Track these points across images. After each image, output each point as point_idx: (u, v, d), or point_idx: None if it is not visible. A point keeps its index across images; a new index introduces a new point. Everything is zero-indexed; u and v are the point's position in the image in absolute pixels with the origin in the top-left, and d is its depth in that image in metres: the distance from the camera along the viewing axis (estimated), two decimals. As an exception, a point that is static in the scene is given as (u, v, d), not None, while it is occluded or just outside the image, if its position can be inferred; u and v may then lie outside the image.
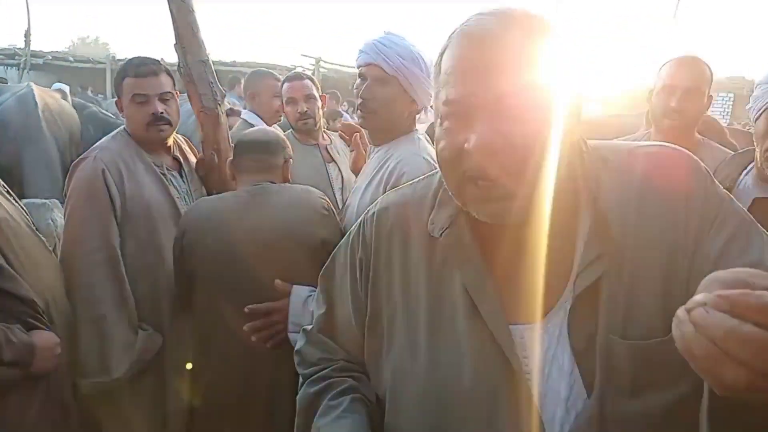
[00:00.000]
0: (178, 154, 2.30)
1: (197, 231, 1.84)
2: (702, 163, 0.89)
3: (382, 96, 1.84)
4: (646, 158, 0.89)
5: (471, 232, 0.92)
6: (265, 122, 3.25)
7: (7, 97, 4.74)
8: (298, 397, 1.07)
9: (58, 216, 3.32)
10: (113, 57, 13.61)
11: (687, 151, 0.91)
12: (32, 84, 5.13)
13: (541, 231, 0.86)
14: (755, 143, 1.74)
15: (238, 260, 1.76)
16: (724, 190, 0.89)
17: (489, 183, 0.81)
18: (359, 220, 1.07)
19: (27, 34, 11.23)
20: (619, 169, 0.89)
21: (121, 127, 2.25)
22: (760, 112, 1.65)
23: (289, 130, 2.95)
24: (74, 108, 5.42)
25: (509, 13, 0.83)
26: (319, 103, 2.90)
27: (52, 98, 5.24)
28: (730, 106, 8.89)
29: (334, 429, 0.93)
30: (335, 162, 2.85)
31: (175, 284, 1.99)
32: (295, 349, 1.16)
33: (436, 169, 0.98)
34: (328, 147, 2.88)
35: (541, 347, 0.85)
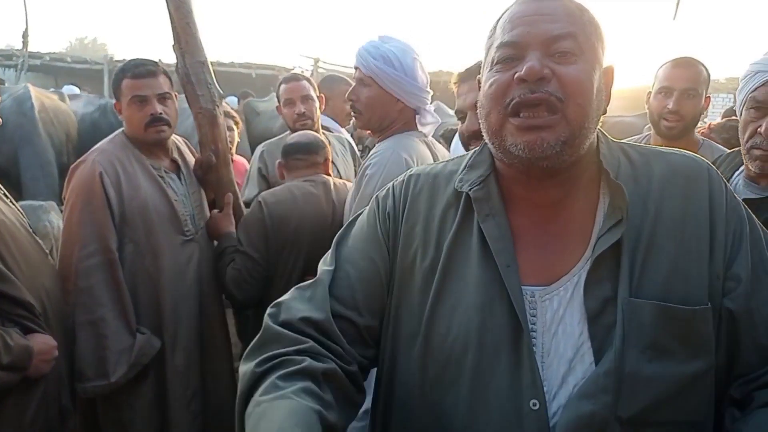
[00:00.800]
0: (176, 156, 2.29)
1: (281, 213, 2.18)
2: (722, 177, 0.96)
3: (364, 97, 1.92)
4: (671, 161, 0.96)
5: (498, 192, 0.97)
6: (339, 124, 3.32)
7: (5, 99, 4.74)
8: (240, 371, 0.93)
9: (55, 218, 3.31)
10: (111, 58, 13.59)
11: (707, 161, 0.97)
12: (29, 85, 5.13)
13: (565, 196, 0.93)
14: (740, 138, 1.69)
15: (318, 235, 2.11)
16: (743, 205, 0.95)
17: (531, 111, 0.87)
18: (388, 186, 1.09)
19: (25, 35, 11.20)
20: (642, 165, 0.96)
21: (120, 129, 2.23)
22: (742, 105, 1.62)
23: (287, 132, 2.94)
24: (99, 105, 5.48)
25: None
26: (317, 104, 2.88)
27: (49, 99, 5.24)
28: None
29: (271, 410, 0.80)
30: (333, 163, 2.85)
31: (253, 268, 2.17)
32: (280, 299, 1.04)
33: (413, 168, 1.10)
34: None
35: (549, 309, 0.90)
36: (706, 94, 2.28)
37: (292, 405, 0.80)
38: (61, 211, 2.41)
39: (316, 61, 15.37)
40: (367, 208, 1.09)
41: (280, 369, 0.88)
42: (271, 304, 1.01)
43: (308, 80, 2.93)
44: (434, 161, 2.01)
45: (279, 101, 2.93)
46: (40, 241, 1.89)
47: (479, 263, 0.93)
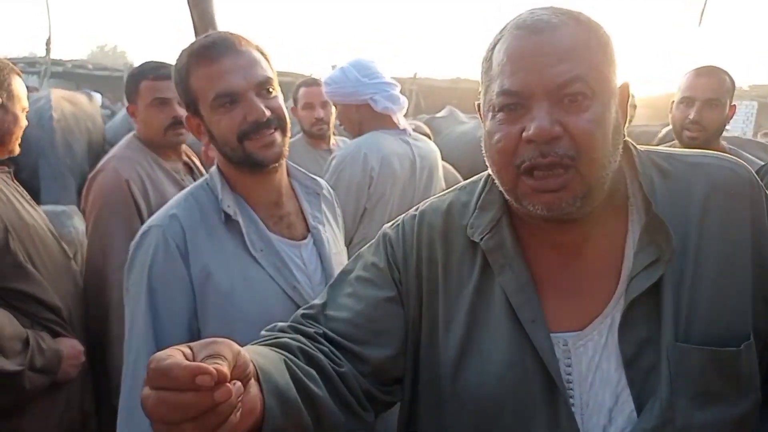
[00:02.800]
0: (187, 159, 2.28)
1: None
2: (764, 190, 0.89)
3: (337, 113, 2.43)
4: (711, 174, 0.88)
5: (513, 237, 0.90)
6: None
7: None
8: None
9: (79, 223, 3.33)
10: (131, 65, 13.77)
11: (748, 169, 0.90)
12: (52, 92, 5.14)
13: (589, 234, 0.86)
14: None
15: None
16: None
17: (545, 173, 0.80)
18: (398, 222, 1.02)
19: (48, 43, 11.41)
20: (679, 180, 0.88)
21: (131, 134, 2.20)
22: None
23: (299, 134, 2.97)
24: None
25: (562, 8, 0.84)
26: (333, 110, 2.88)
27: (71, 104, 5.23)
28: (754, 115, 8.74)
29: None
30: None
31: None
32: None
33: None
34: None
35: (584, 356, 0.84)
36: (730, 103, 2.25)
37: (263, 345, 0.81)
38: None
39: (334, 68, 15.44)
40: (373, 242, 1.02)
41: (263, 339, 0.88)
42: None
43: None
44: (411, 159, 2.21)
45: (296, 103, 2.97)
46: (65, 246, 1.90)
47: (505, 317, 0.87)
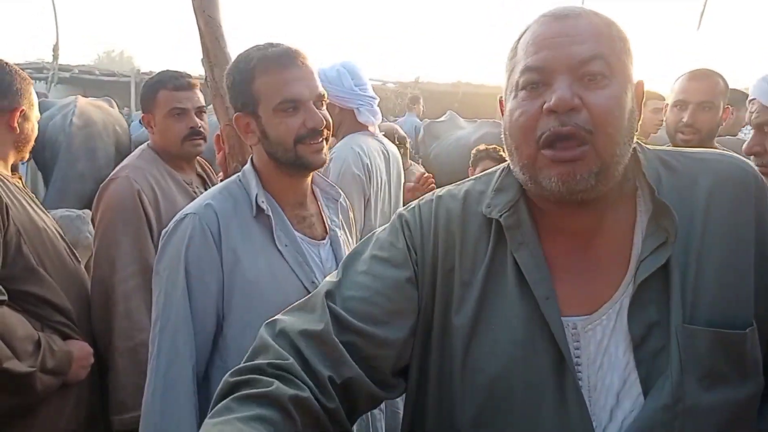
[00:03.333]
0: (201, 171, 2.29)
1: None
2: (761, 178, 0.92)
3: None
4: (716, 170, 0.91)
5: (530, 218, 0.92)
6: None
7: (55, 116, 4.75)
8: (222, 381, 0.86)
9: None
10: (138, 71, 13.83)
11: (753, 166, 0.93)
12: (79, 98, 5.11)
13: (600, 220, 0.89)
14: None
15: None
16: None
17: (564, 144, 0.83)
18: (413, 205, 1.02)
19: (55, 49, 11.47)
20: (685, 174, 0.92)
21: (145, 144, 2.21)
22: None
23: None
24: None
25: (582, 7, 0.91)
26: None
27: (99, 110, 5.17)
28: (754, 117, 8.75)
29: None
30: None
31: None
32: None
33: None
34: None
35: (593, 339, 0.86)
36: (724, 105, 2.26)
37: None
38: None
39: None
40: (388, 225, 1.02)
41: (245, 388, 0.80)
42: (266, 322, 0.93)
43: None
44: (385, 154, 2.47)
45: None
46: (74, 250, 1.94)
47: (517, 295, 0.88)
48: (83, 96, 6.02)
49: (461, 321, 0.91)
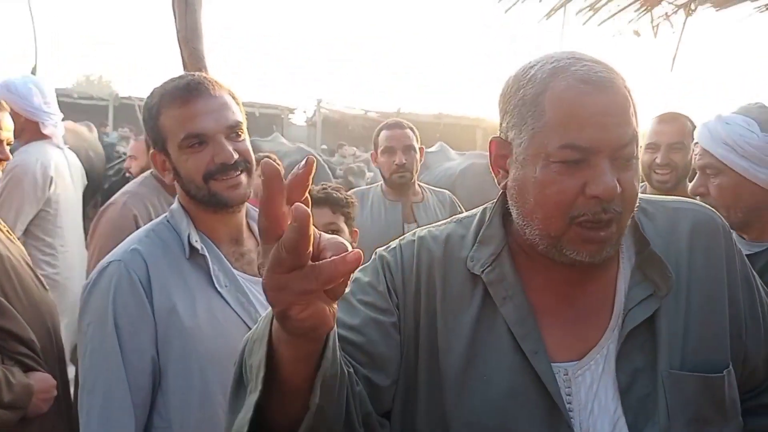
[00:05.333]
0: None
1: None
2: (726, 225, 0.97)
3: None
4: (692, 218, 0.95)
5: (513, 270, 0.92)
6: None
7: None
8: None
9: None
10: (116, 95, 13.80)
11: (720, 215, 0.98)
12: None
13: (585, 271, 0.90)
14: None
15: None
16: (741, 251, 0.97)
17: (599, 226, 0.83)
18: (394, 245, 0.99)
19: (33, 71, 11.40)
20: (667, 223, 0.95)
21: (148, 171, 2.24)
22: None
23: (378, 184, 2.78)
24: None
25: (602, 60, 0.87)
26: (418, 156, 2.67)
27: (74, 134, 5.18)
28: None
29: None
30: (417, 224, 2.56)
31: None
32: None
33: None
34: (414, 205, 2.66)
35: (583, 384, 0.87)
36: (692, 145, 2.34)
37: None
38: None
39: (319, 101, 15.60)
40: (369, 265, 0.98)
41: None
42: None
43: (412, 129, 2.71)
44: (67, 163, 2.96)
45: (376, 148, 2.72)
46: (41, 278, 1.89)
47: (508, 347, 0.88)
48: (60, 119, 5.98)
49: (451, 364, 0.89)
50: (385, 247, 1.01)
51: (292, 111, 17.42)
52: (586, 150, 0.82)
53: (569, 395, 0.86)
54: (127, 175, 3.47)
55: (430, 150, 6.89)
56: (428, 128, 10.67)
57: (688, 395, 0.84)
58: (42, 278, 1.89)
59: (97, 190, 5.15)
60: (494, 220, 0.95)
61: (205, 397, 1.21)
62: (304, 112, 17.77)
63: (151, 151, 1.35)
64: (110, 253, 1.29)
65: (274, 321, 0.66)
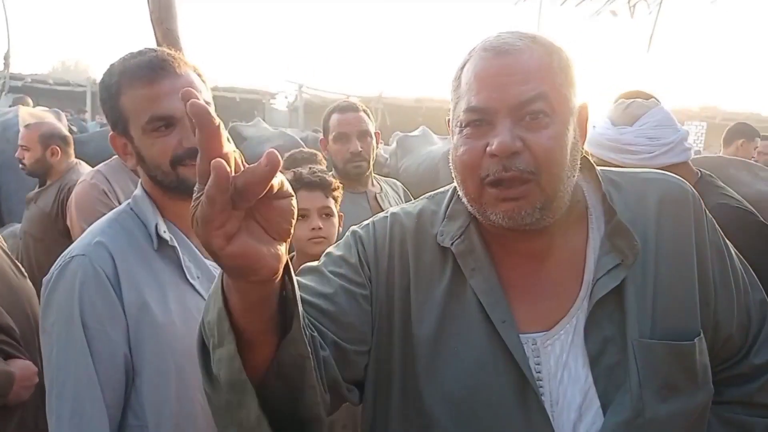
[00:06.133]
0: None
1: None
2: (701, 200, 0.98)
3: None
4: (660, 188, 0.96)
5: (481, 243, 0.93)
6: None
7: None
8: None
9: None
10: (93, 80, 13.54)
11: (687, 185, 0.99)
12: (21, 108, 5.09)
13: (551, 242, 0.92)
14: None
15: None
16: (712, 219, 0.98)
17: (507, 184, 0.84)
18: (368, 223, 1.01)
19: (6, 57, 11.15)
20: (635, 194, 0.95)
21: (114, 157, 2.21)
22: None
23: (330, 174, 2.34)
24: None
25: (527, 32, 0.90)
26: (375, 142, 2.32)
27: (38, 119, 5.19)
28: (703, 135, 9.17)
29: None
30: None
31: None
32: None
33: (394, 207, 1.03)
34: (378, 195, 2.34)
35: (552, 354, 0.88)
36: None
37: None
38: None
39: (301, 86, 15.46)
40: (341, 241, 1.00)
41: None
42: None
43: (366, 112, 2.35)
44: None
45: (326, 133, 2.36)
46: (19, 265, 1.87)
47: (477, 318, 0.89)
48: (35, 105, 5.92)
49: (423, 335, 0.91)
50: (358, 224, 1.02)
51: (273, 96, 17.26)
52: (484, 110, 0.85)
53: (538, 365, 0.87)
54: (21, 167, 3.12)
55: (412, 134, 6.90)
56: (410, 112, 10.64)
57: (659, 363, 0.85)
58: (20, 265, 1.87)
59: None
60: (461, 196, 0.96)
61: (181, 393, 1.16)
62: (286, 97, 17.64)
63: (111, 133, 1.24)
64: (71, 247, 1.19)
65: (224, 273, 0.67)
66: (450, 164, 0.93)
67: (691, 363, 0.87)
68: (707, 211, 0.97)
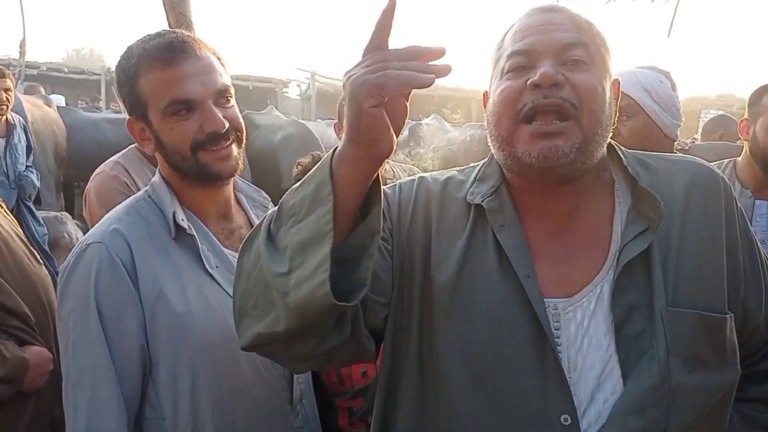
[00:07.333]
0: None
1: None
2: (727, 182, 0.98)
3: None
4: (691, 171, 0.96)
5: (511, 202, 0.95)
6: None
7: None
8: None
9: (72, 229, 3.29)
10: (108, 69, 13.60)
11: (718, 171, 0.98)
12: (20, 96, 5.16)
13: (579, 204, 0.92)
14: None
15: None
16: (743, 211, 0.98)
17: (544, 118, 0.86)
18: (395, 183, 1.03)
19: (22, 45, 11.21)
20: (662, 172, 0.96)
21: (132, 145, 2.18)
22: None
23: None
24: None
25: (568, 7, 0.96)
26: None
27: (38, 108, 5.29)
28: (721, 123, 9.07)
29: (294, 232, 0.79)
30: None
31: None
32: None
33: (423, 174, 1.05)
34: (391, 182, 2.27)
35: (573, 321, 0.88)
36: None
37: None
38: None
39: (313, 74, 15.43)
40: None
41: None
42: None
43: None
44: None
45: (340, 117, 2.39)
46: (34, 252, 1.87)
47: (497, 275, 0.90)
48: (50, 93, 6.05)
49: (441, 289, 0.92)
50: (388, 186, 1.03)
51: (286, 84, 17.24)
52: (527, 53, 0.89)
53: (557, 329, 0.87)
54: None
55: (424, 122, 6.87)
56: (423, 100, 10.59)
57: (688, 332, 0.85)
58: (36, 253, 1.87)
59: (61, 166, 5.26)
60: (493, 161, 0.99)
61: (198, 386, 1.14)
62: (299, 85, 17.60)
63: (128, 118, 1.22)
64: (88, 234, 1.19)
65: (335, 150, 0.77)
66: (487, 117, 0.94)
67: (721, 337, 0.86)
68: (737, 200, 0.96)
